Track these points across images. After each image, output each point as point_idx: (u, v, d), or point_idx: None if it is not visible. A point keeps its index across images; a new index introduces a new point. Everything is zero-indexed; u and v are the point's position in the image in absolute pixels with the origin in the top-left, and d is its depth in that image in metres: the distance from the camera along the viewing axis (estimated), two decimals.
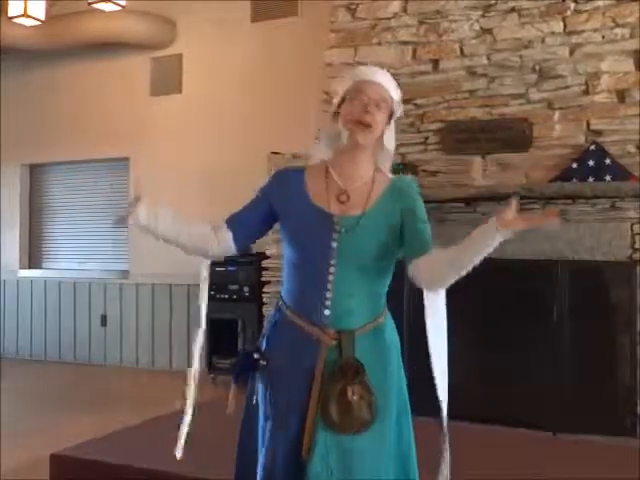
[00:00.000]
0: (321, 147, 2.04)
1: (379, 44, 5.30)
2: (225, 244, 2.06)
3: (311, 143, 5.41)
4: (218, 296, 5.87)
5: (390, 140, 1.99)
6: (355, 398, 1.87)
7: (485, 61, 4.98)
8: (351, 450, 1.87)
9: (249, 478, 1.94)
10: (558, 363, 4.43)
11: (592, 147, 4.51)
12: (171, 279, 6.56)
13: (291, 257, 1.97)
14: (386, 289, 2.05)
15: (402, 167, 4.89)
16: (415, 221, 2.02)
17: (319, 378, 1.88)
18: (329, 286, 1.90)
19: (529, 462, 3.39)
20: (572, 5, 4.76)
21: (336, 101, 1.97)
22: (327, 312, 1.90)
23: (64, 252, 7.57)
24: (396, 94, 1.96)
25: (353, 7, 5.40)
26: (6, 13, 5.53)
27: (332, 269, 1.90)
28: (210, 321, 6.05)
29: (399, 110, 1.98)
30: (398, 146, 5.55)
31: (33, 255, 7.72)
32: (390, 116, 1.96)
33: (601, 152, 4.47)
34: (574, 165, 4.53)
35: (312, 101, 5.53)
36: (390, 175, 2.02)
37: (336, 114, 1.96)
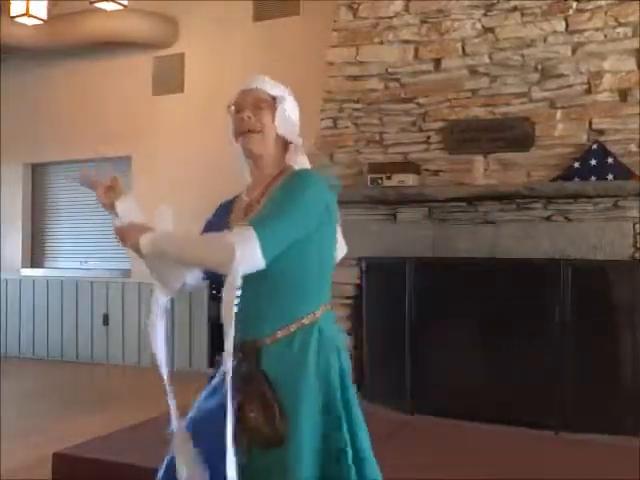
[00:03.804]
0: (242, 172, 2.05)
1: (381, 43, 5.29)
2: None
3: (309, 143, 5.44)
4: (220, 295, 5.85)
5: (288, 131, 1.96)
6: (252, 415, 1.79)
7: (487, 60, 4.98)
8: (257, 468, 1.80)
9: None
10: (560, 362, 4.43)
11: (594, 146, 4.51)
12: None
13: None
14: (308, 291, 1.89)
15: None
16: (268, 202, 1.87)
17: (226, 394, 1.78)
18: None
19: (531, 461, 3.39)
20: (574, 4, 4.75)
21: (229, 123, 1.98)
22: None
23: (66, 251, 7.58)
24: (274, 90, 1.96)
25: (355, 6, 5.40)
26: (8, 12, 5.53)
27: (248, 281, 1.78)
28: (212, 320, 6.08)
29: (283, 102, 1.95)
30: (400, 145, 5.57)
31: (35, 254, 7.73)
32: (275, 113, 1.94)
33: (603, 151, 4.46)
34: (576, 164, 4.52)
35: (314, 100, 5.52)
36: (293, 169, 1.95)
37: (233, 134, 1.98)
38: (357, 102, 5.33)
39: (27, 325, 7.51)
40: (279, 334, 1.84)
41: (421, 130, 5.12)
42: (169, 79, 6.81)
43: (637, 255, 4.38)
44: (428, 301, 4.83)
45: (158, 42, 6.79)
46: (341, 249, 2.05)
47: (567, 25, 4.77)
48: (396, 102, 5.21)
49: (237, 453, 1.71)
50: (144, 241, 1.83)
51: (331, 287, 1.97)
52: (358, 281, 5.16)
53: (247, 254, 1.71)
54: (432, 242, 4.92)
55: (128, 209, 1.96)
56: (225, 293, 1.74)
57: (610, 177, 4.39)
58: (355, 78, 5.36)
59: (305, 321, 1.86)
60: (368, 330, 5.12)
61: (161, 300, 2.05)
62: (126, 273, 6.98)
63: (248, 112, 1.91)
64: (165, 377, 2.04)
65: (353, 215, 5.18)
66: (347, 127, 5.35)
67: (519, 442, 3.88)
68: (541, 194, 4.54)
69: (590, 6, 4.71)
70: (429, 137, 5.09)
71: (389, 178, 4.90)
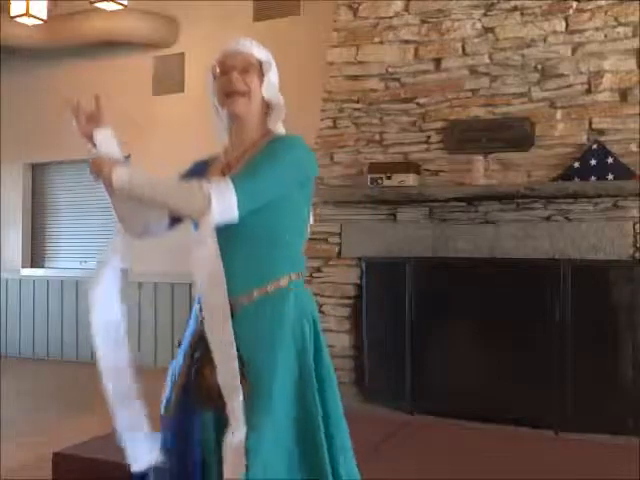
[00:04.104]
0: (219, 134, 2.06)
1: (381, 43, 5.29)
2: None
3: (310, 143, 5.45)
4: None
5: (274, 96, 1.98)
6: (207, 372, 1.79)
7: (487, 60, 4.98)
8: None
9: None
10: (560, 362, 4.43)
11: (594, 146, 4.51)
12: (173, 278, 6.56)
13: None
14: (284, 253, 1.89)
15: None
16: (249, 162, 1.87)
17: (190, 350, 1.87)
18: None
19: (531, 461, 3.39)
20: (574, 4, 4.75)
21: (209, 84, 1.99)
22: None
23: (66, 251, 7.58)
24: (261, 54, 1.96)
25: (355, 6, 5.40)
26: (8, 12, 5.53)
27: (218, 240, 1.79)
28: None
29: (271, 68, 1.97)
30: (400, 145, 5.58)
31: (35, 254, 7.73)
32: (262, 76, 1.95)
33: (603, 151, 4.46)
34: (576, 164, 4.52)
35: (314, 100, 5.53)
36: (278, 133, 1.98)
37: (215, 95, 1.99)
38: (357, 102, 5.33)
39: (27, 325, 7.51)
40: (255, 293, 1.83)
41: (421, 130, 5.12)
42: (169, 79, 6.82)
43: (637, 255, 4.38)
44: (428, 301, 4.83)
45: (158, 42, 6.79)
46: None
47: (567, 25, 4.77)
48: (396, 102, 5.21)
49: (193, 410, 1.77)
50: (119, 173, 1.80)
51: (304, 257, 1.97)
52: (358, 281, 5.17)
53: (222, 204, 1.72)
54: (432, 242, 4.92)
55: (106, 140, 1.93)
56: (198, 243, 1.74)
57: (610, 177, 4.39)
58: (355, 78, 5.37)
59: (281, 283, 1.86)
60: (368, 330, 5.12)
61: (118, 244, 2.00)
62: (125, 273, 6.97)
63: (236, 74, 1.91)
64: (103, 365, 2.06)
65: (353, 215, 5.19)
66: (347, 127, 5.35)
67: (519, 442, 3.87)
68: (541, 194, 4.54)
69: (590, 6, 4.71)
70: (429, 137, 5.09)
71: (389, 178, 4.90)
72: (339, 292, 5.24)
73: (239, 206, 1.73)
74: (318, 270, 5.31)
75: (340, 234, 5.25)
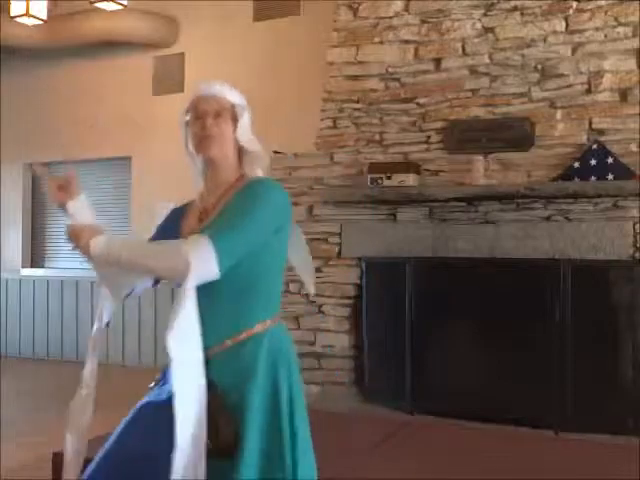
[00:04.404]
0: (195, 179, 2.02)
1: (381, 43, 5.29)
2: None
3: (310, 143, 5.45)
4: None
5: (249, 142, 1.95)
6: (222, 423, 1.76)
7: (487, 60, 4.98)
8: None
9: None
10: (560, 362, 4.43)
11: (594, 146, 4.51)
12: None
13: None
14: (259, 300, 1.87)
15: None
16: (225, 210, 1.84)
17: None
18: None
19: (531, 461, 3.39)
20: (574, 4, 4.75)
21: (182, 129, 1.97)
22: None
23: (66, 251, 7.58)
24: (235, 98, 1.95)
25: (355, 6, 5.40)
26: (8, 12, 5.54)
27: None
28: None
29: (245, 112, 1.95)
30: (400, 145, 5.57)
31: (35, 254, 7.74)
32: (236, 122, 1.93)
33: (603, 151, 4.46)
34: (576, 164, 4.52)
35: (314, 100, 5.53)
36: (251, 177, 1.94)
37: (189, 140, 1.96)
38: (357, 102, 5.33)
39: (27, 325, 7.51)
40: (228, 342, 1.81)
41: (421, 130, 5.12)
42: (169, 79, 6.81)
43: (637, 255, 4.38)
44: (428, 301, 4.83)
45: (158, 42, 6.79)
46: (306, 254, 2.08)
47: (567, 25, 4.77)
48: (396, 102, 5.21)
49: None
50: (96, 243, 1.79)
51: (280, 299, 1.95)
52: (358, 281, 5.17)
53: (202, 265, 1.69)
54: (432, 242, 4.92)
55: (80, 209, 1.91)
56: (180, 306, 1.70)
57: (610, 177, 4.39)
58: (355, 78, 5.36)
59: (256, 330, 1.84)
60: (368, 330, 5.12)
61: (106, 309, 2.05)
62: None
63: (209, 119, 1.89)
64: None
65: (353, 215, 5.19)
66: (347, 127, 5.35)
67: (519, 442, 3.87)
68: (541, 194, 4.54)
69: (590, 6, 4.71)
70: (429, 137, 5.09)
71: (389, 178, 4.90)
72: (339, 292, 5.24)
73: (219, 265, 1.71)
74: (318, 270, 5.30)
75: (340, 234, 5.25)
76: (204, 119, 1.89)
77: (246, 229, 1.78)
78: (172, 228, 1.95)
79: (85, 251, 1.81)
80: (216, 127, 1.89)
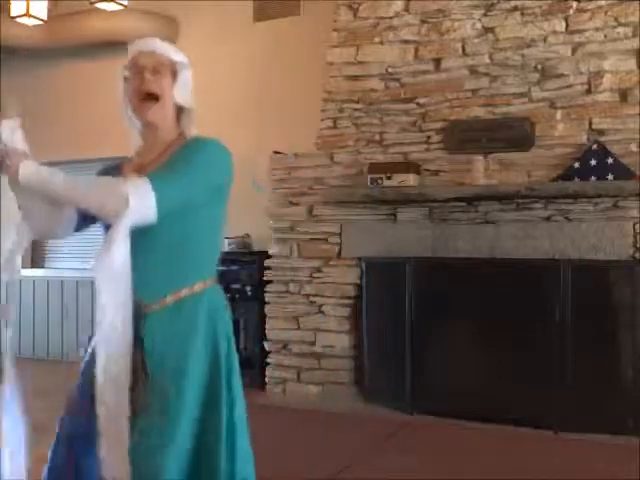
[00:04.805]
0: (131, 135, 2.02)
1: (381, 43, 5.29)
2: None
3: (310, 143, 5.45)
4: None
5: (186, 98, 1.95)
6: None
7: (487, 60, 4.98)
8: (135, 429, 1.74)
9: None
10: (560, 362, 4.43)
11: (594, 146, 4.51)
12: None
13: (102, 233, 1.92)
14: (199, 258, 1.87)
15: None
16: (167, 163, 1.83)
17: None
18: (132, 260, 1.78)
19: (531, 461, 3.39)
20: (574, 4, 4.75)
21: (120, 85, 1.95)
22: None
23: (66, 251, 7.58)
24: (176, 55, 1.93)
25: (355, 6, 5.40)
26: (8, 13, 5.53)
27: (134, 244, 1.76)
28: None
29: (185, 69, 1.94)
30: (400, 145, 5.58)
31: (35, 254, 7.73)
32: (175, 78, 1.92)
33: (603, 151, 4.46)
34: (576, 164, 4.52)
35: (314, 100, 5.53)
36: (193, 135, 1.94)
37: (126, 95, 1.94)
38: (357, 102, 5.33)
39: (27, 325, 7.51)
40: (168, 299, 1.80)
41: (421, 130, 5.12)
42: None
43: (637, 255, 4.38)
44: (428, 301, 4.83)
45: None
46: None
47: (567, 25, 4.77)
48: (396, 102, 5.21)
49: None
50: (26, 167, 1.74)
51: (217, 260, 1.94)
52: (358, 281, 5.17)
53: (141, 204, 1.67)
54: (432, 242, 4.92)
55: (13, 133, 1.85)
56: (113, 243, 1.68)
57: (610, 177, 4.39)
58: (355, 78, 5.37)
59: (196, 288, 1.83)
60: (368, 330, 5.12)
61: (24, 242, 1.96)
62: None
63: (148, 74, 1.86)
64: None
65: (353, 215, 5.19)
66: (347, 127, 5.35)
67: (519, 442, 3.88)
68: (541, 194, 4.54)
69: (590, 6, 4.71)
70: (429, 137, 5.09)
71: (389, 178, 4.90)
72: (339, 292, 5.24)
73: (157, 207, 1.69)
74: (318, 270, 5.31)
75: (340, 234, 5.25)
76: (143, 73, 1.88)
77: (186, 176, 1.78)
78: None
79: (13, 174, 1.74)
80: (155, 83, 1.87)
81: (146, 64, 1.88)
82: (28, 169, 1.74)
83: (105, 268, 1.70)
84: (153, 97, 1.87)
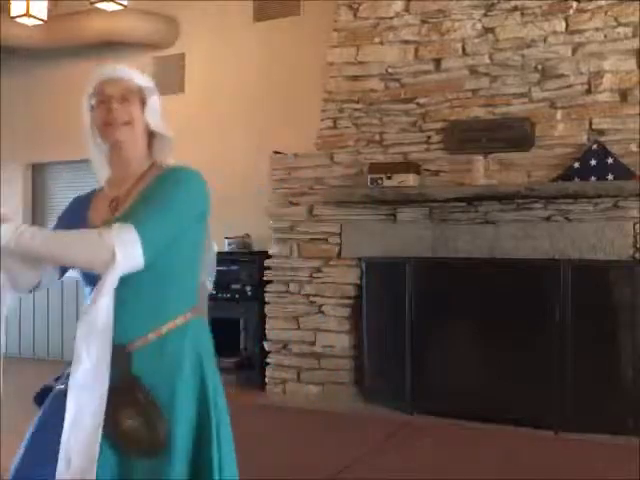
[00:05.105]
0: (99, 170, 1.93)
1: (381, 43, 5.29)
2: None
3: (310, 143, 5.45)
4: (220, 295, 5.87)
5: (157, 123, 1.88)
6: (129, 422, 1.68)
7: (487, 60, 4.98)
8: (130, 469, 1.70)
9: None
10: (560, 362, 4.43)
11: (594, 146, 4.51)
12: None
13: (80, 281, 1.85)
14: (179, 291, 1.81)
15: None
16: (142, 200, 1.75)
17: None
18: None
19: (531, 461, 3.39)
20: (574, 4, 4.75)
21: (86, 114, 1.86)
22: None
23: None
24: (142, 81, 1.87)
25: (355, 6, 5.40)
26: (8, 13, 5.53)
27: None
28: (212, 320, 6.09)
29: (153, 95, 1.88)
30: (400, 145, 5.57)
31: None
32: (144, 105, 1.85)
33: (603, 151, 4.46)
34: (576, 164, 4.52)
35: (314, 100, 5.53)
36: (168, 165, 1.86)
37: (93, 126, 1.85)
38: (357, 102, 5.33)
39: (27, 325, 7.50)
40: (150, 336, 1.74)
41: (421, 130, 5.12)
42: (169, 79, 6.81)
43: (637, 255, 4.38)
44: (428, 301, 4.83)
45: (158, 42, 6.79)
46: (211, 249, 1.98)
47: (567, 25, 4.77)
48: (396, 102, 5.21)
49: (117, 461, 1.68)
50: (6, 229, 1.68)
51: (198, 290, 1.88)
52: (358, 281, 5.17)
53: (127, 254, 1.62)
54: (432, 242, 4.92)
55: None
56: (101, 296, 1.62)
57: (610, 177, 4.39)
58: (355, 78, 5.37)
59: (177, 322, 1.78)
60: (368, 330, 5.12)
61: (7, 300, 1.84)
62: None
63: (116, 103, 1.80)
64: None
65: (353, 215, 5.19)
66: (347, 127, 5.35)
67: (519, 442, 3.88)
68: (541, 194, 4.54)
69: (590, 6, 4.71)
70: (429, 137, 5.09)
71: (389, 178, 4.90)
72: (339, 292, 5.24)
73: (145, 253, 1.64)
74: (318, 270, 5.31)
75: (340, 234, 5.25)
76: (110, 103, 1.80)
77: (168, 217, 1.72)
78: (76, 219, 1.86)
79: None
80: (123, 111, 1.80)
81: (113, 93, 1.80)
82: (9, 230, 1.68)
83: (88, 321, 1.63)
84: (122, 123, 1.81)
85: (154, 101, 1.89)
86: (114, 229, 1.64)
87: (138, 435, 1.67)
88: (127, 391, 1.68)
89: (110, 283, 1.62)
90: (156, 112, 1.89)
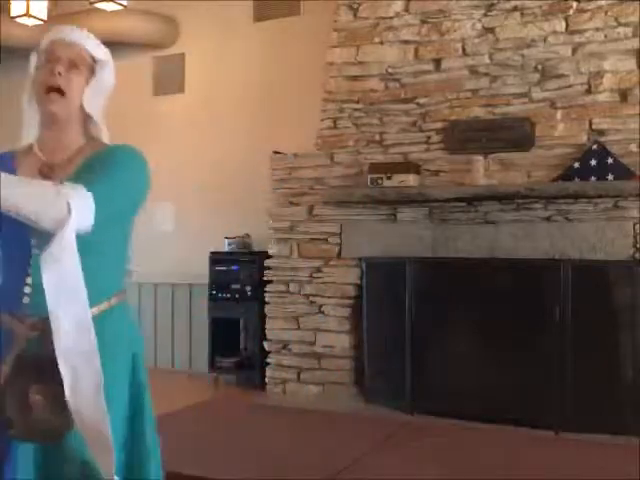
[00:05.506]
0: (27, 126, 1.85)
1: (381, 43, 5.29)
2: None
3: (310, 143, 5.45)
4: (220, 295, 5.88)
5: (91, 105, 1.74)
6: (38, 398, 1.57)
7: (487, 60, 4.98)
8: (59, 449, 1.60)
9: None
10: (560, 362, 4.43)
11: (594, 146, 4.51)
12: (173, 278, 6.56)
13: None
14: (115, 271, 1.78)
15: None
16: (88, 169, 1.67)
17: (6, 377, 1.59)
18: (29, 270, 1.63)
19: (531, 461, 3.39)
20: (574, 4, 4.75)
21: (32, 70, 1.77)
22: (27, 299, 1.63)
23: None
24: (99, 53, 1.75)
25: (355, 6, 5.40)
26: (8, 13, 5.53)
27: (35, 250, 1.61)
28: (212, 320, 6.11)
29: (105, 71, 1.76)
30: (400, 145, 5.57)
31: None
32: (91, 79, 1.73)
33: (603, 151, 4.46)
34: (576, 164, 4.52)
35: (314, 100, 5.53)
36: (109, 143, 1.77)
37: (34, 84, 1.75)
38: (357, 102, 5.33)
39: None
40: (94, 311, 1.63)
41: (421, 130, 5.12)
42: (169, 79, 6.82)
43: (637, 255, 4.38)
44: (428, 301, 4.83)
45: (158, 42, 6.79)
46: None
47: (567, 25, 4.76)
48: (396, 102, 5.21)
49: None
50: None
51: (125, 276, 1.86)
52: (358, 281, 5.17)
53: (81, 212, 1.53)
54: (432, 242, 4.92)
55: None
56: (66, 253, 1.51)
57: (610, 177, 4.39)
58: (355, 78, 5.37)
59: (114, 300, 1.74)
60: (368, 330, 5.12)
61: None
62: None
63: (61, 67, 1.68)
64: None
65: (353, 215, 5.19)
66: (347, 127, 5.35)
67: (519, 442, 3.87)
68: (541, 194, 4.54)
69: (590, 6, 4.71)
70: (429, 137, 5.09)
71: (389, 178, 4.90)
72: (339, 292, 5.24)
73: (95, 216, 1.56)
74: (318, 270, 5.31)
75: (340, 234, 5.25)
76: (55, 65, 1.68)
77: (118, 187, 1.65)
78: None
79: None
80: (64, 79, 1.68)
81: (62, 55, 1.69)
82: None
83: (56, 283, 1.52)
84: (59, 92, 1.69)
85: (104, 76, 1.76)
86: (67, 186, 1.55)
87: (46, 417, 1.57)
88: (49, 368, 1.55)
89: (72, 240, 1.51)
90: (100, 90, 1.76)
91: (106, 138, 1.80)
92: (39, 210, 1.51)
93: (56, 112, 1.71)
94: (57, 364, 1.53)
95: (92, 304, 1.60)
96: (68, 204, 1.50)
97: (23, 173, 1.69)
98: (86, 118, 1.77)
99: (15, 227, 1.55)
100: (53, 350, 1.53)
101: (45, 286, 1.50)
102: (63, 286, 1.53)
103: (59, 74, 1.68)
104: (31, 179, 1.65)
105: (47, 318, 1.53)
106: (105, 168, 1.66)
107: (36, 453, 1.62)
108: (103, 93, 1.78)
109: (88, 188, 1.56)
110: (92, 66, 1.74)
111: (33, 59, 1.78)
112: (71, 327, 1.53)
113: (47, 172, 1.70)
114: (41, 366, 1.56)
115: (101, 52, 1.76)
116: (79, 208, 1.52)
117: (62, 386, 1.52)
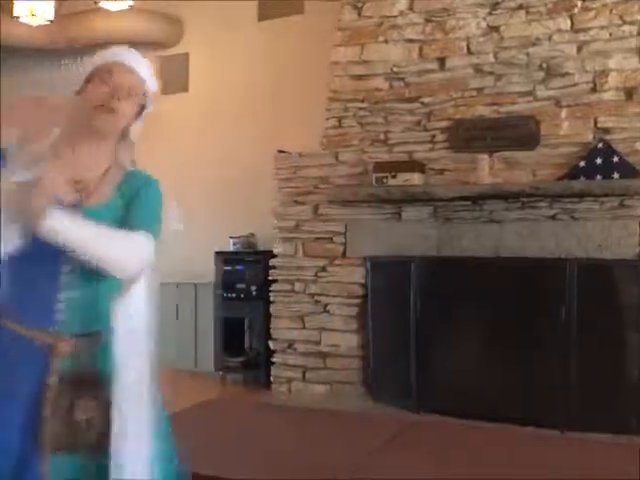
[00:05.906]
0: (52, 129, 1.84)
1: (385, 42, 5.29)
2: None
3: (315, 142, 5.45)
4: (226, 295, 5.88)
5: (135, 133, 1.83)
6: (83, 417, 1.62)
7: (492, 59, 4.97)
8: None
9: None
10: (565, 361, 4.43)
11: (600, 145, 4.50)
12: (178, 278, 6.56)
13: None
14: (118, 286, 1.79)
15: None
16: (131, 203, 1.76)
17: (52, 393, 1.61)
18: (60, 286, 1.66)
19: (536, 460, 3.39)
20: (579, 2, 4.74)
21: (83, 79, 1.78)
22: (60, 316, 1.66)
23: None
24: (152, 84, 1.80)
25: (359, 5, 5.39)
26: (10, 12, 5.54)
27: (65, 267, 1.65)
28: (218, 319, 6.11)
29: (150, 105, 1.82)
30: (405, 144, 5.56)
31: None
32: (141, 110, 1.80)
33: (609, 150, 4.45)
34: (582, 163, 4.51)
35: (319, 99, 5.53)
36: (127, 167, 1.85)
37: (80, 93, 1.77)
38: (362, 101, 5.33)
39: None
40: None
41: (426, 129, 5.12)
42: (174, 79, 6.82)
43: None
44: (433, 300, 4.82)
45: (163, 42, 6.80)
46: None
47: (572, 23, 4.75)
48: (401, 101, 5.21)
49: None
50: (56, 220, 1.51)
51: None
52: (363, 280, 5.17)
53: (149, 266, 1.69)
54: (437, 241, 4.91)
55: (35, 164, 1.61)
56: (134, 305, 1.64)
57: (616, 176, 4.38)
58: (360, 77, 5.36)
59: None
60: (374, 329, 5.12)
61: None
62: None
63: (121, 96, 1.72)
64: None
65: (358, 214, 5.19)
66: (352, 126, 5.34)
67: (524, 441, 3.87)
68: (546, 193, 4.53)
69: (595, 4, 4.69)
70: (434, 136, 5.09)
71: (394, 177, 4.90)
72: (345, 292, 5.24)
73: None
74: (323, 269, 5.31)
75: (345, 233, 5.25)
76: (116, 92, 1.71)
77: (159, 224, 1.80)
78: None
79: (34, 222, 1.49)
80: (121, 105, 1.72)
81: (123, 84, 1.72)
82: (58, 223, 1.51)
83: (130, 327, 1.64)
84: (109, 110, 1.72)
85: (149, 108, 1.84)
86: (144, 237, 1.68)
87: (89, 430, 1.62)
88: (89, 383, 1.63)
89: (148, 290, 1.65)
90: (142, 122, 1.84)
91: (127, 162, 1.86)
92: (120, 258, 1.64)
93: (103, 129, 1.74)
94: (100, 381, 1.62)
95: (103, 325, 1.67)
96: (147, 262, 1.65)
97: (45, 179, 1.60)
98: (119, 140, 1.82)
99: (39, 244, 1.55)
100: (92, 366, 1.63)
101: (116, 335, 1.61)
102: (133, 338, 1.63)
103: (118, 99, 1.71)
104: (98, 223, 1.65)
105: (81, 335, 1.63)
106: (150, 208, 1.79)
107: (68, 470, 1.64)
108: (141, 125, 1.85)
109: (146, 230, 1.69)
110: (142, 100, 1.80)
111: (87, 68, 1.81)
112: (134, 379, 1.63)
113: (80, 188, 1.72)
114: (84, 382, 1.63)
115: (154, 84, 1.82)
116: (151, 260, 1.67)
117: (106, 402, 1.60)
